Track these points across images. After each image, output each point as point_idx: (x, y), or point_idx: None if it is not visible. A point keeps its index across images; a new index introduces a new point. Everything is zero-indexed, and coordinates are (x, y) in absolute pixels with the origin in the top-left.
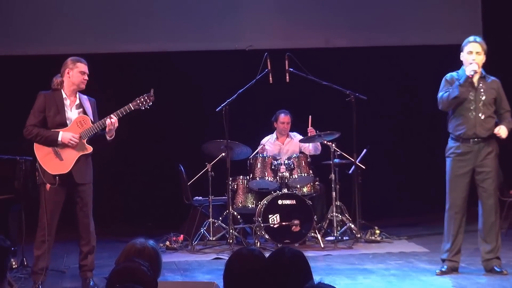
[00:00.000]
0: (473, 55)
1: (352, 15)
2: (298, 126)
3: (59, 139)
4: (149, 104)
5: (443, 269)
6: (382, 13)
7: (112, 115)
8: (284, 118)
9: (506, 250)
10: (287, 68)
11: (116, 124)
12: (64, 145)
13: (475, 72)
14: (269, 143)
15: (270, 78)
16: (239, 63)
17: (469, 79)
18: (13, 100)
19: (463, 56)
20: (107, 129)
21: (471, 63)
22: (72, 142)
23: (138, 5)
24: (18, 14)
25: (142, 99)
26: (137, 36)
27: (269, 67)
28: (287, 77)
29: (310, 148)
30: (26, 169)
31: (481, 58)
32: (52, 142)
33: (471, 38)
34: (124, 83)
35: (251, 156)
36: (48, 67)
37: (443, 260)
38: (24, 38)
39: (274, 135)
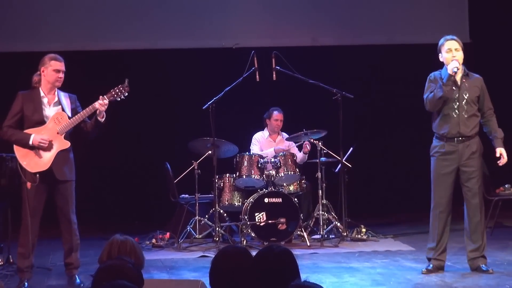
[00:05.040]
0: (452, 52)
1: (339, 14)
2: (285, 124)
3: (30, 142)
4: (125, 95)
5: (429, 268)
6: (369, 11)
7: (101, 99)
8: (277, 115)
9: (492, 249)
10: (274, 66)
11: (107, 103)
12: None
13: (458, 69)
14: (262, 139)
15: (257, 76)
16: (226, 61)
17: (452, 77)
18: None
19: (443, 55)
20: (98, 111)
21: (452, 61)
22: (41, 144)
23: (125, 3)
24: (5, 11)
25: (117, 90)
26: (123, 33)
27: (256, 65)
28: (274, 75)
29: (298, 155)
30: (13, 166)
31: (461, 55)
32: (24, 145)
33: (447, 36)
34: (110, 81)
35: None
36: (36, 65)
37: (429, 259)
38: (11, 35)
39: (266, 132)
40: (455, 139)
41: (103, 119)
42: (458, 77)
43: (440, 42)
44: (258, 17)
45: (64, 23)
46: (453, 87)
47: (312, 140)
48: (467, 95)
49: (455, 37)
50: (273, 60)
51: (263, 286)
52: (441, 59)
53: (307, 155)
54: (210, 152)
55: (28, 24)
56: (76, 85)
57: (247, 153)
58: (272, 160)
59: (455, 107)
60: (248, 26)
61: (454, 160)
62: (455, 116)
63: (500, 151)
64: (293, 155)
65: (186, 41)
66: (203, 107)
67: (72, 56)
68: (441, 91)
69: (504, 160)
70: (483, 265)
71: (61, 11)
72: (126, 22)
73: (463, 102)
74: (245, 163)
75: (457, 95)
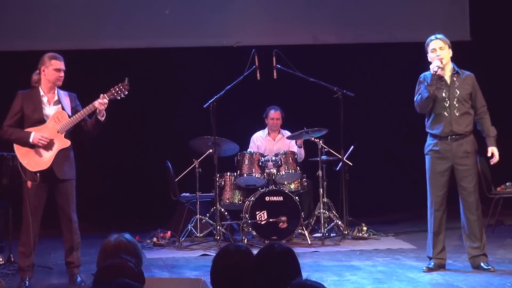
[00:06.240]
0: (437, 51)
1: (339, 12)
2: (286, 122)
3: (30, 140)
4: (125, 94)
5: (430, 266)
6: (370, 10)
7: (102, 98)
8: (274, 114)
9: (494, 247)
10: (274, 64)
11: (107, 102)
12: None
13: (439, 67)
14: (260, 138)
15: (258, 75)
16: (227, 59)
17: (435, 76)
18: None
19: (429, 55)
20: (98, 110)
21: (434, 60)
22: (41, 142)
23: (125, 1)
24: (4, 10)
25: (117, 89)
26: (124, 32)
27: (257, 64)
28: (275, 74)
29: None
30: (14, 165)
31: (446, 52)
32: (24, 144)
33: (432, 36)
34: (110, 79)
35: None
36: (35, 64)
37: (430, 258)
38: (11, 34)
39: (265, 131)
40: (448, 137)
41: (103, 117)
42: (447, 76)
43: (426, 43)
44: (259, 15)
45: (64, 21)
46: (440, 86)
47: (313, 139)
48: (458, 93)
49: (439, 36)
50: (274, 58)
51: (264, 285)
52: (429, 59)
53: (302, 150)
54: (211, 150)
55: (27, 23)
56: (76, 84)
57: (248, 151)
58: (273, 158)
59: (446, 106)
60: (249, 25)
61: (448, 158)
62: (446, 115)
63: (492, 150)
64: (294, 153)
65: (187, 39)
66: (204, 106)
67: (71, 55)
68: (426, 91)
69: (495, 159)
70: (484, 263)
71: (60, 10)
72: (126, 20)
73: (454, 101)
74: (246, 162)
75: (447, 94)
